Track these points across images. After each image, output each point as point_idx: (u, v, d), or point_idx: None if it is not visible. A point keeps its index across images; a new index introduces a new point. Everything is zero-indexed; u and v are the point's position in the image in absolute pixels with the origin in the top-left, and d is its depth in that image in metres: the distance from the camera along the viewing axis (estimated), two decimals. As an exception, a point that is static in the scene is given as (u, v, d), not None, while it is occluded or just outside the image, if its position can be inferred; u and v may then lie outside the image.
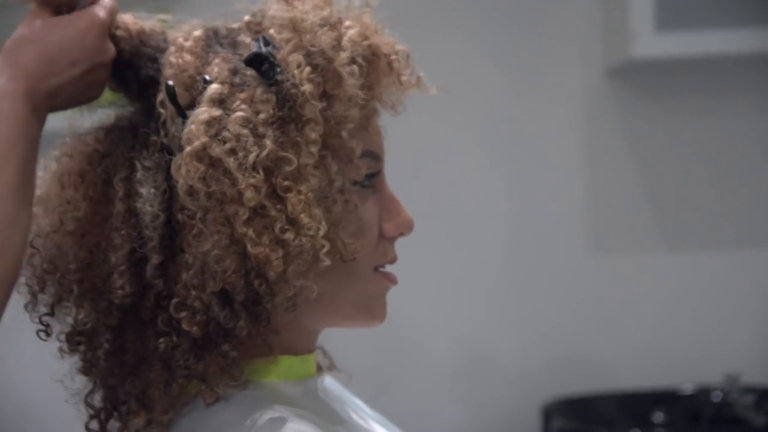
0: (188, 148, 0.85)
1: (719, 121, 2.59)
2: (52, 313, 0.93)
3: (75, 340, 0.93)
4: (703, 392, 2.43)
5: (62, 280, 0.92)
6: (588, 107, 2.59)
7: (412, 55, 0.97)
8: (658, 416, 2.45)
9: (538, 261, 2.60)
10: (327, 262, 0.87)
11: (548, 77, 2.59)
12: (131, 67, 0.95)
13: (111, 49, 0.93)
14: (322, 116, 0.88)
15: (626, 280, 2.60)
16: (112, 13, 0.94)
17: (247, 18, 0.97)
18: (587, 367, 2.58)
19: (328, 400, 1.01)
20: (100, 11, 0.92)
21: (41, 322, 0.94)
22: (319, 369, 1.05)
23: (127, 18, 0.96)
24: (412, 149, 2.43)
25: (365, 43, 0.92)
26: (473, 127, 2.58)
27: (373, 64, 0.93)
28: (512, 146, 2.60)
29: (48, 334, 0.94)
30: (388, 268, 1.00)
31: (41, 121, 0.89)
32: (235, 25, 0.97)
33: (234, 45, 0.94)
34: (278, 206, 0.86)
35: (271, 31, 0.92)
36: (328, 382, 1.07)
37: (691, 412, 2.43)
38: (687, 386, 2.47)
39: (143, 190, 0.88)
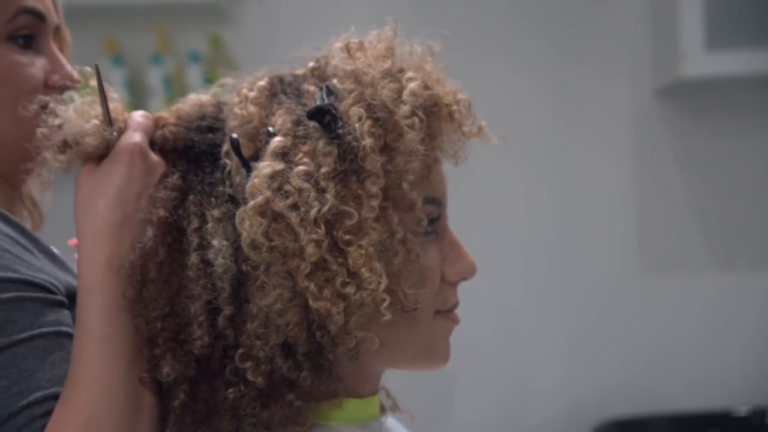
0: (251, 203, 0.86)
1: (770, 140, 2.57)
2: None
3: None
4: (758, 414, 2.40)
5: (152, 328, 0.91)
6: (637, 127, 2.58)
7: (474, 104, 0.96)
8: (712, 439, 2.43)
9: (589, 282, 2.59)
10: (388, 316, 0.88)
11: (597, 97, 2.58)
12: (185, 147, 0.96)
13: (158, 161, 0.95)
14: (383, 169, 0.88)
15: (677, 301, 2.58)
16: (146, 129, 0.96)
17: (311, 64, 0.98)
18: (639, 389, 2.56)
19: None
20: (133, 137, 0.94)
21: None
22: (383, 409, 1.05)
23: (167, 113, 0.98)
24: (459, 170, 2.43)
25: (426, 93, 0.92)
26: (522, 147, 2.57)
27: (435, 114, 0.93)
28: (561, 167, 2.59)
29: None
30: None
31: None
32: (300, 72, 0.98)
33: (298, 93, 0.94)
34: (339, 260, 0.86)
35: (335, 81, 0.93)
36: (391, 422, 1.07)
37: (745, 435, 2.41)
38: (741, 408, 2.44)
39: (215, 242, 0.89)
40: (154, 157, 0.95)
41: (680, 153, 2.58)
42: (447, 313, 0.98)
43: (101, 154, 0.95)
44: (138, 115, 0.97)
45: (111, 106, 0.96)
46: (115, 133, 0.95)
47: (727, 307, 2.58)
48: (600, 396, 2.55)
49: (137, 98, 2.56)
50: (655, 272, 2.60)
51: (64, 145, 0.95)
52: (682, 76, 2.39)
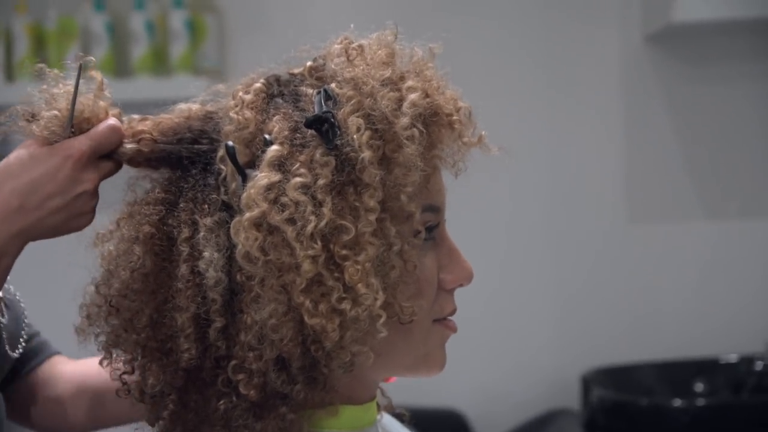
0: (247, 215, 0.84)
1: (761, 87, 2.55)
2: (132, 371, 0.93)
3: (142, 398, 0.93)
4: (746, 361, 2.41)
5: (135, 338, 0.91)
6: (627, 73, 2.55)
7: (474, 113, 0.94)
8: (699, 386, 2.43)
9: (578, 230, 2.58)
10: (383, 333, 0.86)
11: (587, 43, 2.55)
12: (169, 157, 0.94)
13: (91, 177, 0.93)
14: (381, 182, 0.86)
15: (666, 248, 2.58)
16: (103, 141, 0.93)
17: (309, 64, 0.95)
18: (627, 337, 2.56)
19: None
20: (80, 142, 0.92)
21: (121, 380, 0.94)
22: (378, 408, 1.04)
23: (151, 124, 0.95)
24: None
25: (426, 102, 0.90)
26: (511, 94, 2.55)
27: (435, 123, 0.91)
28: (551, 113, 2.57)
29: (128, 392, 0.94)
30: None
31: (7, 259, 0.92)
32: (297, 71, 0.95)
33: (296, 96, 0.92)
34: (335, 275, 0.84)
35: (333, 85, 0.90)
36: (386, 419, 1.06)
37: (733, 382, 2.41)
38: (729, 355, 2.45)
39: (206, 253, 0.87)
40: (90, 172, 0.93)
41: (670, 100, 2.56)
42: (444, 322, 0.97)
43: (49, 142, 0.93)
44: (105, 126, 0.94)
45: (89, 106, 0.94)
46: (73, 130, 0.93)
47: (717, 255, 2.58)
48: (588, 344, 2.55)
49: (119, 44, 2.51)
50: (644, 220, 2.59)
51: (29, 114, 0.94)
52: (672, 21, 2.35)
